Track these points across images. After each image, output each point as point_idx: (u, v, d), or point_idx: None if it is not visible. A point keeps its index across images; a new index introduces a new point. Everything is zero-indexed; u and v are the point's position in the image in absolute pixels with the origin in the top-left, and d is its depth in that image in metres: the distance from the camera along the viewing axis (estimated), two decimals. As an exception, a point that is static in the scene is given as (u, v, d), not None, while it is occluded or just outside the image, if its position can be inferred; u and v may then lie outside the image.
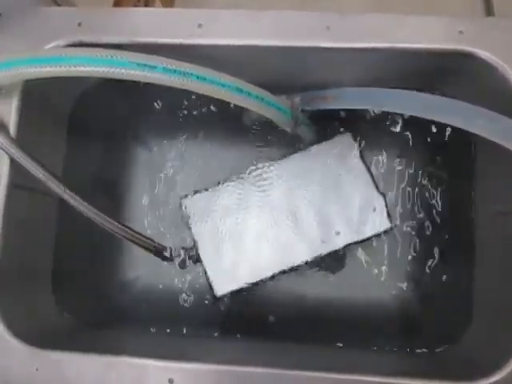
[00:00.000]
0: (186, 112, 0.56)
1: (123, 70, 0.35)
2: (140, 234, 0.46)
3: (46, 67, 0.35)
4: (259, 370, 0.37)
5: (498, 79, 0.39)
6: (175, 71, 0.36)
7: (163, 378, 0.36)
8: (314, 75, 0.46)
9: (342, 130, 0.52)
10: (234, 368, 0.37)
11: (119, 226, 0.44)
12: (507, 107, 0.37)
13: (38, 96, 0.43)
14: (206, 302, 0.52)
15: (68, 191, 0.40)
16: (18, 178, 0.41)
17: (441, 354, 0.45)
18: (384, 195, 0.51)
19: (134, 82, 0.36)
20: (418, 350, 0.46)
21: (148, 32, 0.40)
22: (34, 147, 0.43)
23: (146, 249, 0.47)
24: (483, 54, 0.38)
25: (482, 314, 0.44)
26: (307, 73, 0.45)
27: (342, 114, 0.52)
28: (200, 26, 0.40)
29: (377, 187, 0.51)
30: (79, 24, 0.41)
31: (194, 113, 0.55)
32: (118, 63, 0.35)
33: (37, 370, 0.37)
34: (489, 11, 0.58)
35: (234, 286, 0.50)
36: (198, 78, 0.37)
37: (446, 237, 0.51)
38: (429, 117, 0.37)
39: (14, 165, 0.39)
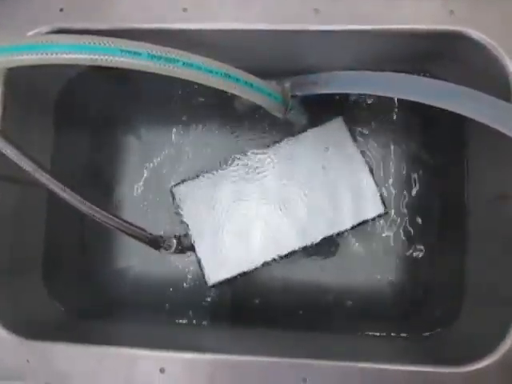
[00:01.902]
0: (176, 98, 0.55)
1: (107, 57, 0.35)
2: (131, 224, 0.45)
3: (28, 55, 0.34)
4: (252, 358, 0.37)
5: (491, 60, 0.38)
6: (161, 57, 0.35)
7: (154, 368, 0.36)
8: (304, 59, 0.45)
9: (333, 114, 0.51)
10: (226, 357, 0.37)
11: (110, 216, 0.43)
12: (500, 88, 0.37)
13: (22, 83, 0.42)
14: (199, 290, 0.52)
15: (56, 182, 0.40)
16: (4, 169, 0.40)
17: (433, 338, 0.45)
18: (376, 180, 0.51)
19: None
20: (411, 335, 0.46)
21: (132, 17, 0.39)
22: (21, 136, 0.43)
23: (138, 239, 0.46)
24: (475, 34, 0.37)
25: (475, 298, 0.44)
26: (297, 57, 0.45)
27: (334, 98, 0.52)
28: (185, 10, 0.39)
29: (370, 172, 0.51)
30: (61, 9, 0.40)
31: (185, 99, 0.55)
32: (100, 50, 0.34)
33: (28, 361, 0.37)
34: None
35: (227, 275, 0.50)
36: (184, 64, 0.36)
37: (439, 222, 0.50)
38: (420, 100, 0.36)
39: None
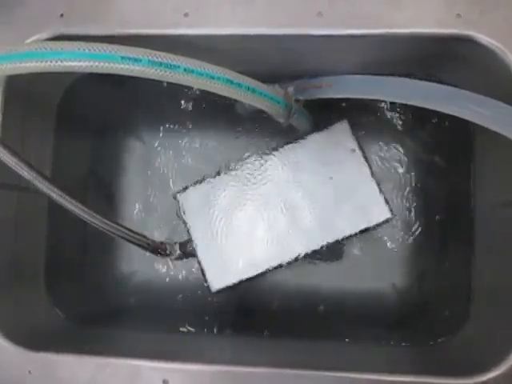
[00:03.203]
0: (179, 103, 0.54)
1: (107, 64, 0.34)
2: (133, 232, 0.44)
3: (27, 63, 0.34)
4: (256, 370, 0.36)
5: (498, 64, 0.37)
6: (161, 64, 0.35)
7: (157, 379, 0.36)
8: (307, 63, 0.44)
9: (338, 118, 0.51)
10: (230, 368, 0.36)
11: (111, 224, 0.42)
12: (507, 92, 0.36)
13: (22, 89, 0.42)
14: (203, 297, 0.51)
15: (56, 190, 0.39)
16: (4, 176, 0.40)
17: (438, 347, 0.44)
18: (382, 185, 0.50)
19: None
20: (414, 343, 0.46)
21: (133, 23, 0.39)
22: (21, 142, 0.42)
23: (140, 246, 0.46)
24: (481, 37, 0.36)
25: (482, 306, 0.44)
26: (300, 61, 0.44)
27: (338, 102, 0.51)
28: (186, 14, 0.38)
29: (375, 176, 0.50)
30: (61, 15, 0.39)
31: (188, 103, 0.54)
32: (101, 57, 0.34)
33: (29, 372, 0.37)
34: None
35: (230, 281, 0.49)
36: (185, 70, 0.35)
37: (445, 227, 0.50)
38: (424, 105, 0.35)
39: (-1, 163, 0.38)
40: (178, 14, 0.38)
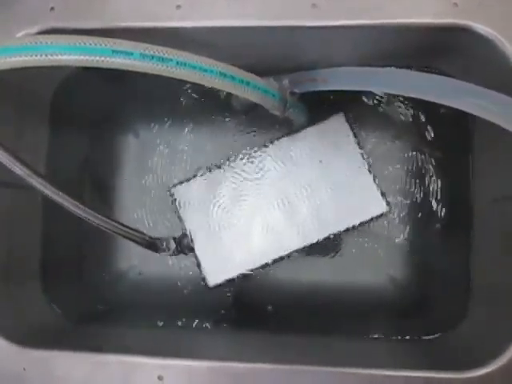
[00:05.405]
0: (174, 97, 0.54)
1: (98, 58, 0.34)
2: (129, 228, 0.44)
3: (16, 57, 0.33)
4: (253, 366, 0.36)
5: (496, 54, 0.36)
6: (153, 57, 0.34)
7: (152, 375, 0.36)
8: (302, 56, 0.44)
9: (334, 110, 0.50)
10: (227, 364, 0.36)
11: (106, 220, 0.42)
12: (506, 83, 0.35)
13: (15, 84, 0.41)
14: (200, 292, 0.51)
15: (49, 186, 0.39)
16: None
17: (436, 341, 0.44)
18: (378, 178, 0.49)
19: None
20: (412, 338, 0.46)
21: (125, 16, 0.38)
22: (15, 138, 0.42)
23: (136, 242, 0.45)
24: (479, 27, 0.35)
25: (480, 301, 0.43)
26: (295, 53, 0.43)
27: (334, 94, 0.50)
28: (178, 7, 0.38)
29: (371, 170, 0.49)
30: (52, 8, 0.38)
31: (183, 97, 0.54)
32: (92, 50, 0.33)
33: (24, 369, 0.37)
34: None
35: (228, 276, 0.49)
36: (177, 63, 0.35)
37: (443, 221, 0.49)
38: (423, 97, 0.35)
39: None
40: (170, 7, 0.38)
